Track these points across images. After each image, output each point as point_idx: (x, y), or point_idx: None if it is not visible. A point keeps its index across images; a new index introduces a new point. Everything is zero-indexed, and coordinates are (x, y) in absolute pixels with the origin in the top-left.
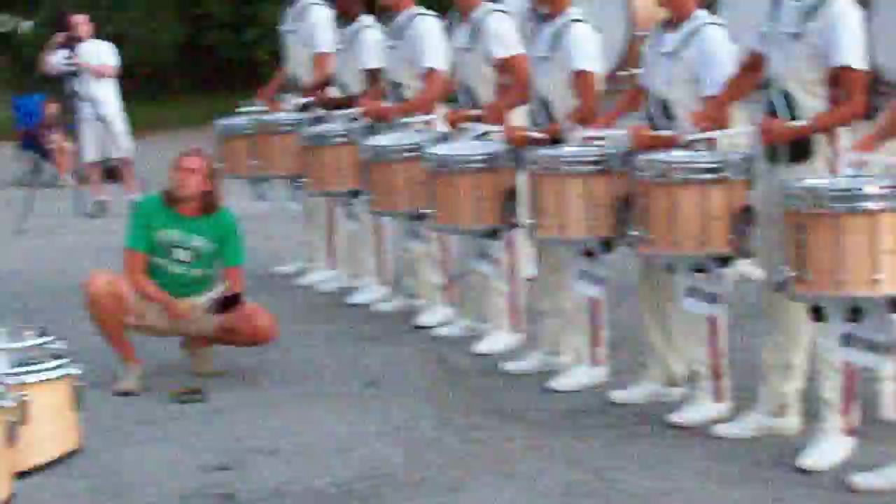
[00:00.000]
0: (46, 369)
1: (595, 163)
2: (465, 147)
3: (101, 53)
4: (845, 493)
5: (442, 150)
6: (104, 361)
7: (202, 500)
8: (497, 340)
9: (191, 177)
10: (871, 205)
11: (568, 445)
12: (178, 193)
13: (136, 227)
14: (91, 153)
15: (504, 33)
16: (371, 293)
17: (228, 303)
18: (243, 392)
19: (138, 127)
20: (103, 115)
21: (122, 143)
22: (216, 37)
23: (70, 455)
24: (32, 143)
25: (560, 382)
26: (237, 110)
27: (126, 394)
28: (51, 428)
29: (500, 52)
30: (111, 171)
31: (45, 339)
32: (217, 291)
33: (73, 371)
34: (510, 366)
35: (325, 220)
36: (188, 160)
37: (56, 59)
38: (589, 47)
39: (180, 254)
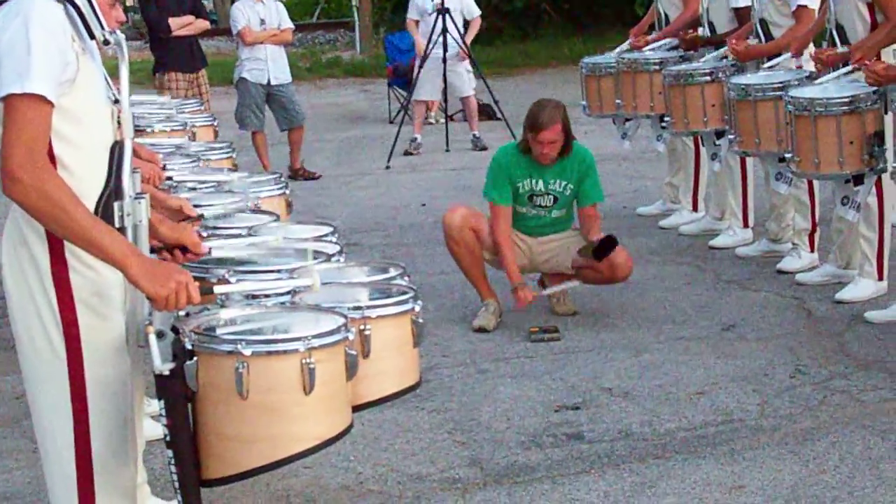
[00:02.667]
0: (388, 304)
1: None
2: (830, 89)
3: None
4: None
5: (804, 92)
6: (465, 297)
7: (550, 439)
8: (862, 288)
9: (552, 149)
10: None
11: None
12: (540, 162)
13: (496, 181)
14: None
15: None
16: (734, 236)
17: (605, 246)
18: (599, 333)
19: (506, 65)
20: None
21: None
22: None
23: (410, 389)
24: (403, 80)
25: None
26: (607, 50)
27: (481, 330)
28: (392, 363)
29: None
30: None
31: (391, 273)
32: (593, 236)
33: (417, 307)
34: (874, 315)
35: (692, 161)
36: (546, 134)
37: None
38: None
39: (541, 199)
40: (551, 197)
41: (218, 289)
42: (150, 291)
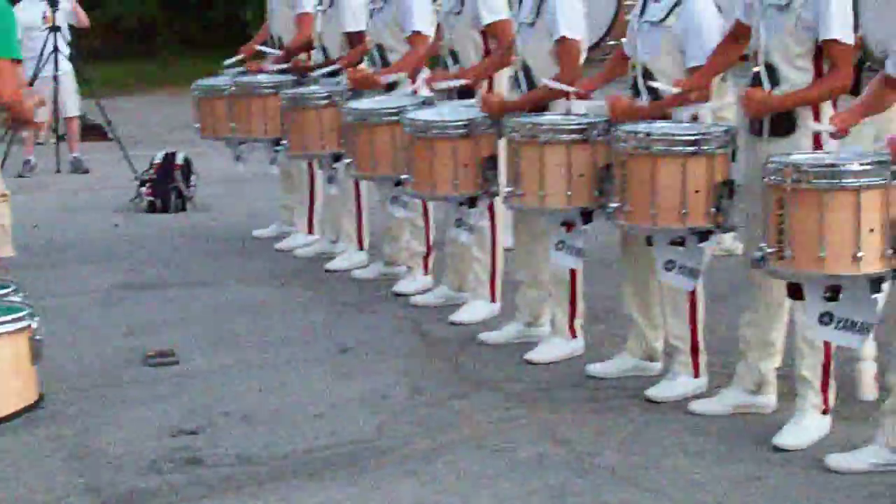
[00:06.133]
0: (4, 322)
1: (576, 132)
2: (446, 113)
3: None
4: (821, 473)
5: (421, 115)
6: (78, 320)
7: (169, 464)
8: (475, 310)
9: None
10: (854, 181)
11: (543, 418)
12: None
13: None
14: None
15: None
16: (350, 259)
17: None
18: (217, 356)
19: (121, 85)
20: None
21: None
22: None
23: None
24: None
25: (537, 354)
26: (224, 67)
27: None
28: (9, 381)
29: (488, 17)
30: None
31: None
32: None
33: (34, 324)
34: (487, 336)
35: (306, 184)
36: None
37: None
38: (572, 14)
39: None
40: None
41: None
42: None
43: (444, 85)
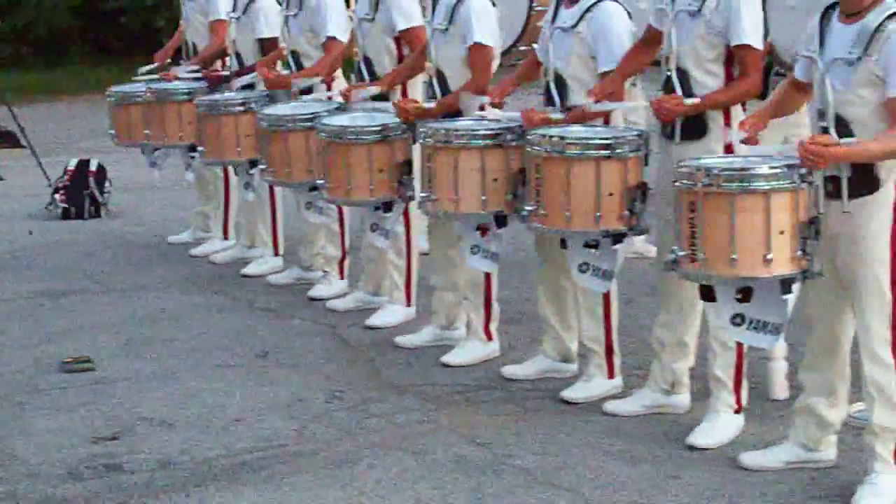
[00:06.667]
0: None
1: (490, 137)
2: (361, 119)
3: None
4: (736, 471)
5: (336, 120)
6: None
7: (89, 471)
8: (391, 314)
9: None
10: (764, 184)
11: (460, 420)
12: None
13: None
14: None
15: (406, 4)
16: (265, 265)
17: None
18: (134, 362)
19: (35, 93)
20: None
21: None
22: (115, 1)
23: None
24: None
25: (453, 357)
26: (139, 73)
27: None
28: None
29: (402, 23)
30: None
31: None
32: None
33: None
34: (403, 340)
35: (221, 190)
36: None
37: None
38: (485, 21)
39: None
40: None
41: None
42: None
43: (360, 96)
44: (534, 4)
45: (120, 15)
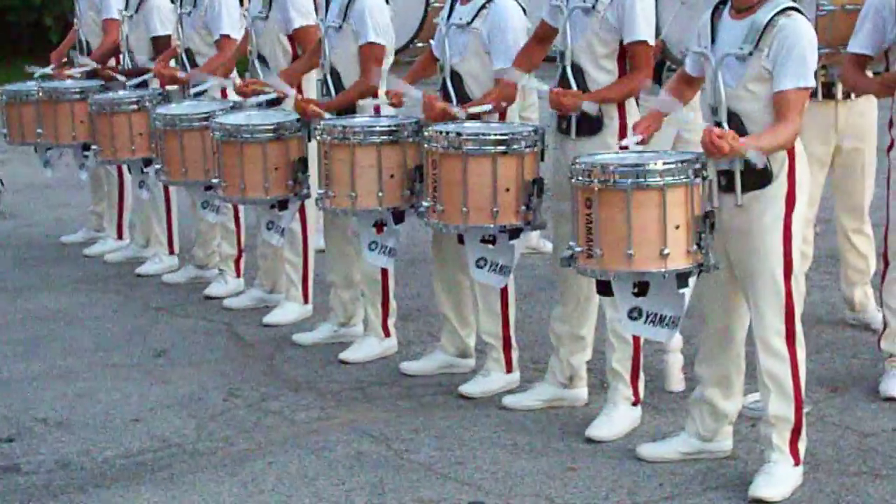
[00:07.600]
0: None
1: (386, 133)
2: (255, 117)
3: None
4: (634, 462)
5: (230, 119)
6: None
7: None
8: (287, 312)
9: None
10: (658, 180)
11: (359, 416)
12: None
13: None
14: None
15: (300, 2)
16: (160, 263)
17: None
18: (28, 363)
19: None
20: None
21: None
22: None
23: None
24: None
25: (351, 353)
26: (32, 74)
27: None
28: None
29: (298, 21)
30: None
31: None
32: None
33: None
34: (301, 337)
35: (115, 189)
36: None
37: None
38: (378, 18)
39: None
40: None
41: None
42: None
43: (254, 101)
44: (430, 1)
45: (6, 13)
